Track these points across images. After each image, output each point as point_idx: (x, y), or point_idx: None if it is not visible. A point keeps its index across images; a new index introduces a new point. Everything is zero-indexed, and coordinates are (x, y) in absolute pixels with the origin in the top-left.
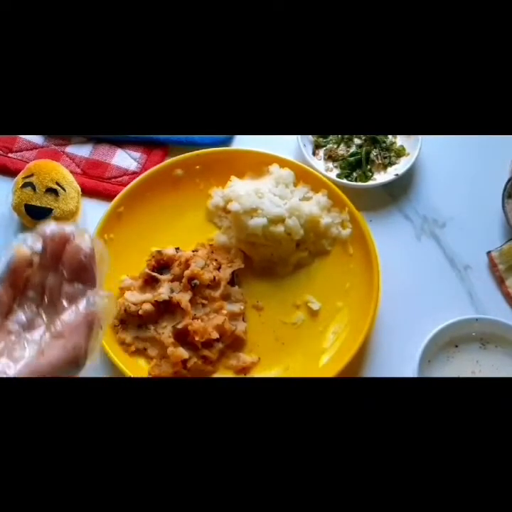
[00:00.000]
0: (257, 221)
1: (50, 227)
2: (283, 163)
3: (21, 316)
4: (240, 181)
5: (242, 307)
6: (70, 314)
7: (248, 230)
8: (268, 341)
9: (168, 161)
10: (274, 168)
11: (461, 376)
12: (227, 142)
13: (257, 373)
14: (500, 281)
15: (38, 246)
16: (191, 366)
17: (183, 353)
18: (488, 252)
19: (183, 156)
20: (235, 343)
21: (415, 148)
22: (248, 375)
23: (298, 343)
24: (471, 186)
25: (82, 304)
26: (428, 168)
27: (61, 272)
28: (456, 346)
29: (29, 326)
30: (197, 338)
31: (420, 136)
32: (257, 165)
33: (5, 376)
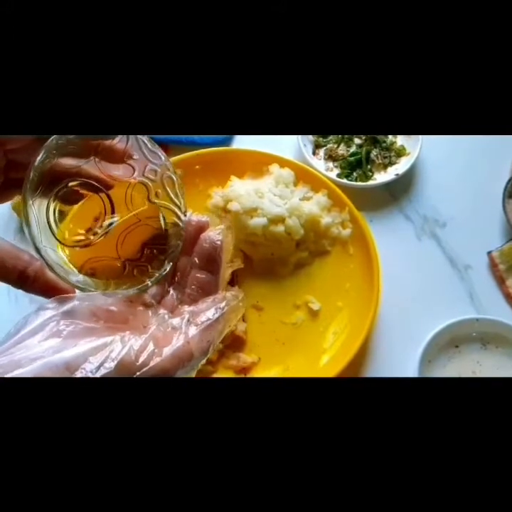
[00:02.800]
0: (257, 221)
1: (188, 214)
2: (283, 163)
3: (154, 289)
4: (239, 181)
5: None
6: (212, 310)
7: (248, 229)
8: (268, 341)
9: None
10: (274, 168)
11: (461, 376)
12: (227, 142)
13: (257, 373)
14: (500, 282)
15: None
16: None
17: None
18: (489, 252)
19: (182, 155)
20: (235, 343)
21: (415, 148)
22: (248, 375)
23: (298, 343)
24: (471, 186)
25: (222, 303)
26: (428, 168)
27: (193, 258)
28: (457, 346)
29: (160, 300)
30: None
31: (420, 136)
32: (257, 165)
33: (153, 363)
